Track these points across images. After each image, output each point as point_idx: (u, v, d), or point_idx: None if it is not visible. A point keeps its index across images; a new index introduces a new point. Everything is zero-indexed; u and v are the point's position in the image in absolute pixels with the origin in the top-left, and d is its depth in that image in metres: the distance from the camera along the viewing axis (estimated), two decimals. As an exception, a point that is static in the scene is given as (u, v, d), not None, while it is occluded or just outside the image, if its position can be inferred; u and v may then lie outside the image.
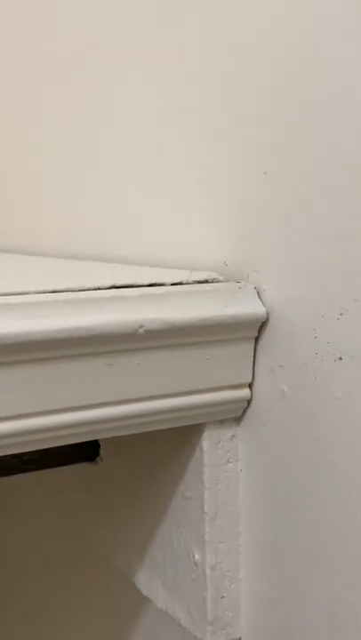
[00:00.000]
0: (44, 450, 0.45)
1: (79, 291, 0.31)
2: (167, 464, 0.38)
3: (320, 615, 0.31)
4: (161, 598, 0.39)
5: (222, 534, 0.35)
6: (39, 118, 0.56)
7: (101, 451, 0.46)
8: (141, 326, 0.30)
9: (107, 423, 0.32)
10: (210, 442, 0.35)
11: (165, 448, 0.38)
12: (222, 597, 0.36)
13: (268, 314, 0.33)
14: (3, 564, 0.66)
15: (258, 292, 0.33)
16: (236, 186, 0.34)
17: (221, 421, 0.35)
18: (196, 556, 0.36)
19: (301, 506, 0.32)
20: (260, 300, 0.33)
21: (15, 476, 0.46)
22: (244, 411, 0.35)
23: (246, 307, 0.33)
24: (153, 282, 0.33)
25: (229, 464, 0.35)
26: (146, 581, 0.41)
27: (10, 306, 0.28)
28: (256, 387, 0.34)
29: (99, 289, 0.31)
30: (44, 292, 0.30)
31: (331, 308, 0.29)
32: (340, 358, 0.28)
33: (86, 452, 0.47)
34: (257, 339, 0.34)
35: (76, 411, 0.30)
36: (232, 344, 0.33)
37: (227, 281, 0.34)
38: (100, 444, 0.46)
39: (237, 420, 0.35)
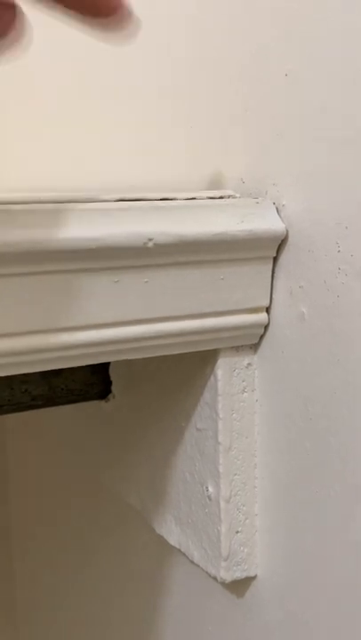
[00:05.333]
0: (54, 387, 0.42)
1: (85, 202, 0.26)
2: (180, 396, 0.34)
3: (342, 551, 0.27)
4: (174, 535, 0.36)
5: (237, 466, 0.31)
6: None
7: (113, 388, 0.42)
8: (150, 239, 0.25)
9: (114, 345, 0.27)
10: (224, 370, 0.30)
11: (178, 380, 0.34)
12: (237, 532, 0.31)
13: (287, 230, 0.28)
14: (16, 498, 0.64)
15: (277, 208, 0.29)
16: (254, 93, 0.29)
17: (237, 348, 0.31)
18: (210, 489, 0.32)
19: (323, 435, 0.27)
20: (280, 216, 0.28)
21: (30, 412, 0.42)
22: (261, 337, 0.30)
23: (264, 222, 0.28)
24: (164, 197, 0.28)
25: (245, 393, 0.31)
26: (158, 518, 0.37)
27: (12, 213, 0.24)
28: (274, 311, 0.30)
29: (106, 201, 0.27)
30: (48, 202, 0.26)
31: (356, 218, 0.25)
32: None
33: (98, 389, 0.43)
34: (275, 259, 0.29)
35: (80, 330, 0.26)
36: (248, 263, 0.29)
37: (243, 197, 0.30)
38: (112, 380, 0.42)
39: (254, 347, 0.31)
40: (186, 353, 0.31)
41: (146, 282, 0.27)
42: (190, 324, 0.28)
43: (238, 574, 0.32)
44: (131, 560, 0.44)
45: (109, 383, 0.42)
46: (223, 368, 0.30)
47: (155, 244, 0.26)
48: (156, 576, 0.41)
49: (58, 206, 0.25)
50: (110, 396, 0.42)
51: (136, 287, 0.27)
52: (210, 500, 0.32)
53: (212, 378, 0.31)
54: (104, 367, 0.42)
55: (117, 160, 0.41)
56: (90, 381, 0.42)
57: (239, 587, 0.33)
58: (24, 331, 0.25)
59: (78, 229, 0.25)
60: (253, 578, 0.32)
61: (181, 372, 0.34)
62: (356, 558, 0.26)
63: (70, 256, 0.25)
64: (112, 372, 0.42)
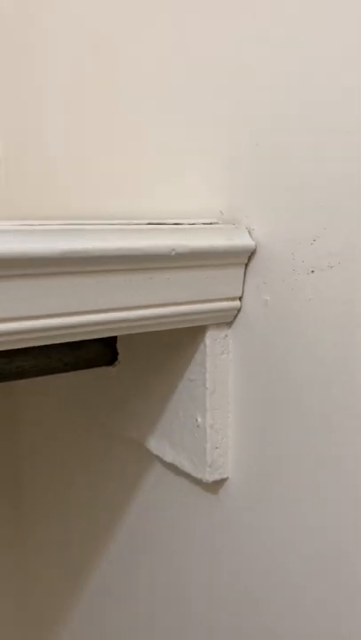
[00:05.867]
0: (78, 357, 0.54)
1: (126, 224, 0.40)
2: (175, 359, 0.48)
3: (293, 461, 0.42)
4: (168, 454, 0.50)
5: (217, 403, 0.46)
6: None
7: (119, 357, 0.55)
8: (173, 250, 0.39)
9: (143, 321, 0.41)
10: (211, 339, 0.45)
11: (172, 348, 0.48)
12: (216, 448, 0.46)
13: (256, 246, 0.43)
14: (34, 443, 0.76)
15: (249, 231, 0.43)
16: (232, 156, 0.44)
17: (218, 325, 0.45)
18: (199, 420, 0.46)
19: (276, 380, 0.42)
20: (251, 236, 0.43)
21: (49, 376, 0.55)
22: (235, 317, 0.45)
23: (241, 240, 0.42)
24: (176, 222, 0.42)
25: (223, 355, 0.46)
26: (156, 444, 0.51)
27: (86, 231, 0.37)
28: (245, 299, 0.44)
29: (139, 224, 0.40)
30: (105, 224, 0.39)
31: (305, 236, 0.39)
32: (312, 271, 0.39)
33: (108, 358, 0.57)
34: (246, 265, 0.44)
35: (124, 311, 0.40)
36: (228, 267, 0.43)
37: (225, 224, 0.44)
38: (119, 352, 0.55)
39: (229, 324, 0.45)
40: (180, 329, 0.45)
41: (167, 278, 0.40)
42: (191, 307, 0.42)
43: (217, 476, 0.46)
44: (127, 476, 0.58)
45: (116, 354, 0.56)
46: (210, 338, 0.45)
47: (176, 253, 0.40)
48: (146, 485, 0.56)
49: (111, 226, 0.39)
50: (116, 362, 0.56)
51: (162, 281, 0.40)
52: (198, 427, 0.46)
53: (202, 345, 0.45)
54: (113, 342, 0.56)
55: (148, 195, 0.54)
56: (102, 353, 0.56)
57: (215, 487, 0.48)
58: (87, 310, 0.38)
59: (128, 242, 0.38)
60: (226, 479, 0.47)
61: (175, 343, 0.48)
62: (301, 467, 0.42)
63: (123, 260, 0.38)
64: (119, 346, 0.55)
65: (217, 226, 0.43)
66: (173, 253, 0.39)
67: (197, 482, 0.49)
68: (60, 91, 0.64)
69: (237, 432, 0.46)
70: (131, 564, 0.61)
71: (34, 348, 0.51)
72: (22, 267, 0.35)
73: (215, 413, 0.46)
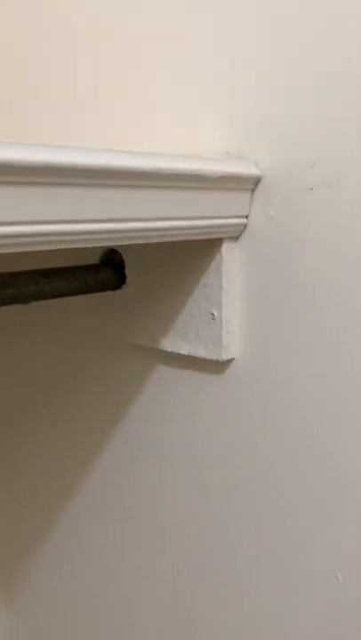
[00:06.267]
0: (96, 279, 0.65)
1: (172, 155, 0.51)
2: (188, 272, 0.61)
3: (287, 341, 0.57)
4: (184, 348, 0.62)
5: (230, 299, 0.59)
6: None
7: (128, 280, 0.66)
8: (215, 173, 0.52)
9: (174, 230, 0.52)
10: (225, 250, 0.58)
11: (186, 263, 0.61)
12: (228, 334, 0.60)
13: (261, 175, 0.56)
14: (45, 354, 0.83)
15: (255, 164, 0.57)
16: (235, 92, 0.57)
17: (230, 238, 0.58)
18: (215, 313, 0.59)
19: (275, 280, 0.56)
20: (256, 167, 0.56)
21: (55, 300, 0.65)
22: (241, 232, 0.58)
23: (248, 169, 0.56)
24: (205, 156, 0.54)
25: (233, 263, 0.59)
26: (170, 343, 0.64)
27: (148, 154, 0.48)
28: (251, 217, 0.58)
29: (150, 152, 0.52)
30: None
31: (305, 162, 0.54)
32: (311, 189, 0.53)
33: (118, 282, 0.67)
34: (253, 190, 0.57)
35: (176, 220, 0.51)
36: (238, 191, 0.56)
37: (234, 158, 0.57)
38: (127, 276, 0.66)
39: (236, 238, 0.59)
40: (196, 246, 0.57)
41: (202, 197, 0.53)
42: (211, 222, 0.55)
43: (229, 356, 0.60)
44: (126, 381, 0.70)
45: (124, 279, 0.67)
46: (225, 249, 0.58)
47: (217, 176, 0.52)
48: (150, 385, 0.68)
49: (165, 155, 0.50)
50: (124, 286, 0.67)
51: (196, 198, 0.52)
52: (214, 320, 0.59)
53: (218, 255, 0.58)
54: (122, 268, 0.66)
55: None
56: (113, 278, 0.66)
57: (224, 367, 0.61)
58: (123, 218, 0.49)
59: (181, 164, 0.50)
60: (233, 359, 0.60)
61: (189, 259, 0.60)
62: (296, 349, 0.56)
63: (175, 177, 0.50)
64: (127, 271, 0.66)
65: (229, 158, 0.56)
66: (215, 176, 0.52)
67: (206, 368, 0.62)
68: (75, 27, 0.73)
69: (243, 322, 0.60)
70: (134, 462, 0.72)
71: (59, 274, 0.61)
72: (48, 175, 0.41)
73: (228, 307, 0.59)
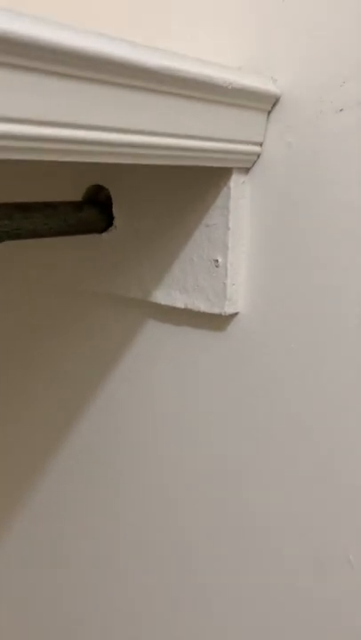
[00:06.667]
0: (79, 219, 0.55)
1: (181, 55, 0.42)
2: (188, 210, 0.51)
3: (299, 295, 0.48)
4: (180, 301, 0.54)
5: (237, 243, 0.50)
6: None
7: (115, 222, 0.57)
8: (230, 84, 0.42)
9: (174, 150, 0.42)
10: (234, 183, 0.49)
11: (186, 200, 0.51)
12: (233, 285, 0.51)
13: (278, 96, 0.47)
14: (19, 305, 0.74)
15: (272, 80, 0.47)
16: (257, 13, 0.47)
17: (239, 169, 0.49)
18: (219, 259, 0.50)
19: (289, 220, 0.48)
20: (275, 85, 0.47)
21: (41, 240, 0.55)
22: (253, 164, 0.49)
23: (265, 85, 0.46)
24: (213, 61, 0.45)
25: (241, 200, 0.50)
26: (164, 295, 0.55)
27: (152, 48, 0.38)
28: (265, 146, 0.48)
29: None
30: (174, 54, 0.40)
31: (334, 79, 0.44)
32: (341, 110, 0.44)
33: (105, 224, 0.58)
34: (269, 112, 0.48)
35: (177, 138, 0.42)
36: (251, 110, 0.47)
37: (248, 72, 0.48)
38: (115, 216, 0.57)
39: (247, 170, 0.50)
40: (196, 176, 0.48)
41: (213, 112, 0.43)
42: (210, 145, 0.44)
43: (233, 310, 0.51)
44: (114, 336, 0.61)
45: (112, 220, 0.57)
46: (234, 182, 0.49)
47: (232, 87, 0.42)
48: (140, 342, 0.59)
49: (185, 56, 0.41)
50: (112, 228, 0.57)
51: (206, 113, 0.43)
52: (218, 267, 0.50)
53: (225, 189, 0.49)
54: (109, 208, 0.57)
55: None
56: (98, 218, 0.57)
57: (226, 323, 0.53)
58: (74, 123, 0.38)
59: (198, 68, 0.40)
60: (237, 314, 0.52)
61: (189, 193, 0.51)
62: (307, 305, 0.47)
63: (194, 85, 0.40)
64: (115, 211, 0.56)
65: (240, 71, 0.47)
66: (230, 87, 0.42)
67: (206, 324, 0.54)
68: None
69: (251, 271, 0.51)
70: (119, 428, 0.64)
71: (39, 210, 0.51)
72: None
73: (235, 252, 0.50)
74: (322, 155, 0.46)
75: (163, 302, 0.55)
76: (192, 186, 0.51)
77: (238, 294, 0.51)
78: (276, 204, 0.49)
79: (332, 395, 0.48)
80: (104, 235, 0.58)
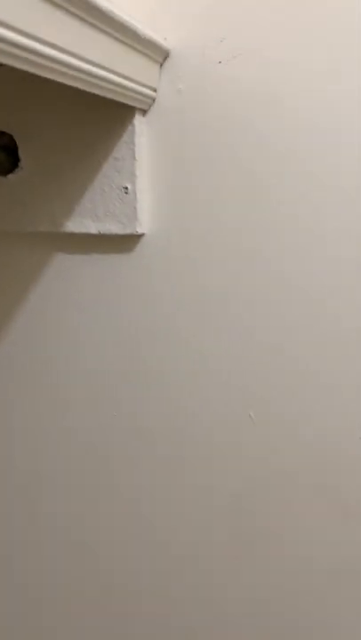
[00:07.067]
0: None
1: None
2: (94, 146, 0.60)
3: (197, 215, 0.60)
4: (92, 228, 0.62)
5: (142, 173, 0.60)
6: None
7: (22, 163, 0.63)
8: (132, 26, 0.52)
9: (91, 77, 0.51)
10: (138, 120, 0.59)
11: (92, 137, 0.60)
12: (141, 208, 0.61)
13: (169, 50, 0.58)
14: None
15: (164, 38, 0.58)
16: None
17: (139, 111, 0.59)
18: (129, 186, 0.60)
19: (184, 151, 0.59)
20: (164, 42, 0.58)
21: None
22: (150, 106, 0.60)
23: (161, 41, 0.57)
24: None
25: (142, 137, 0.60)
26: (76, 224, 0.62)
27: None
28: (159, 92, 0.59)
29: None
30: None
31: (214, 38, 0.57)
32: (220, 62, 0.57)
33: (7, 167, 0.63)
34: (161, 65, 0.59)
35: (79, 59, 0.51)
36: (146, 58, 0.57)
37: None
38: (21, 157, 0.63)
39: (145, 112, 0.60)
40: (101, 117, 0.57)
41: (105, 42, 0.53)
42: (115, 78, 0.54)
43: (141, 229, 0.61)
44: (22, 273, 0.66)
45: (17, 162, 0.63)
46: (137, 120, 0.59)
47: (120, 22, 0.52)
48: (49, 275, 0.66)
49: None
50: (17, 169, 0.63)
51: (98, 38, 0.52)
52: (127, 193, 0.60)
53: (130, 126, 0.59)
54: (14, 151, 0.62)
55: None
56: (6, 160, 0.62)
57: (134, 243, 0.62)
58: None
59: None
60: (144, 235, 0.62)
61: (95, 130, 0.59)
62: (204, 226, 0.59)
63: None
64: (21, 153, 0.62)
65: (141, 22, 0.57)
66: (104, 10, 0.50)
67: (117, 247, 0.63)
68: None
69: (156, 195, 0.61)
70: (32, 361, 0.69)
71: None
72: None
73: (141, 180, 0.60)
74: (205, 99, 0.58)
75: (76, 230, 0.62)
76: (98, 124, 0.59)
77: (145, 216, 0.61)
78: (170, 140, 0.60)
79: (220, 287, 0.60)
80: (10, 176, 0.64)
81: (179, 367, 0.63)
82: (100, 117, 0.59)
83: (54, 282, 0.66)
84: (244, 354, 0.60)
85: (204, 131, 0.58)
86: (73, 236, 0.64)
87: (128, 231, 0.61)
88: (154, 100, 0.60)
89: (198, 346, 0.62)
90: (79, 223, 0.62)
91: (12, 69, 0.43)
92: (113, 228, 0.61)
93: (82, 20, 0.47)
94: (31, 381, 0.70)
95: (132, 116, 0.59)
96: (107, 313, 0.65)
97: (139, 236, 0.62)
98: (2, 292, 0.69)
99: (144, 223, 0.61)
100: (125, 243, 0.62)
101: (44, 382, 0.70)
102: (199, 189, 0.59)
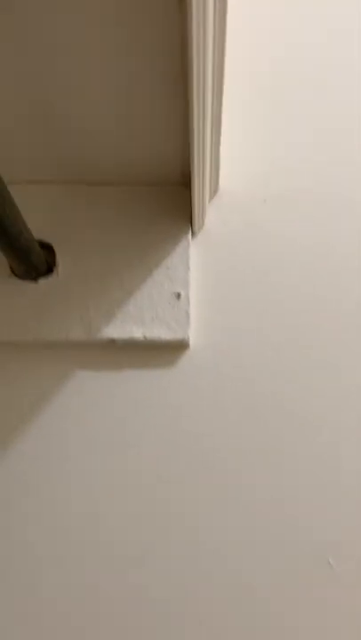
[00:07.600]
0: (34, 263, 0.55)
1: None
2: (147, 258, 0.59)
3: (244, 327, 0.59)
4: (138, 333, 0.56)
5: (193, 281, 0.59)
6: None
7: (58, 268, 0.58)
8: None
9: None
10: (190, 235, 0.60)
11: (144, 248, 0.59)
12: (192, 317, 0.58)
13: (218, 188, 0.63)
14: None
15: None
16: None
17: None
18: (182, 293, 0.57)
19: (225, 277, 0.60)
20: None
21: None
22: (200, 230, 0.62)
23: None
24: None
25: (193, 249, 0.60)
26: (119, 330, 0.56)
27: None
28: (208, 219, 0.62)
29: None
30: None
31: (260, 178, 0.63)
32: (265, 200, 0.62)
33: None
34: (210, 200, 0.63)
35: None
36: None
37: None
38: (58, 261, 0.59)
39: (195, 233, 0.61)
40: (154, 229, 0.58)
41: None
42: None
43: (187, 335, 0.57)
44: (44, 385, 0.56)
45: (52, 267, 0.59)
46: (190, 235, 0.60)
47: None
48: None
49: None
50: (52, 274, 0.58)
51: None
52: (179, 299, 0.57)
53: (184, 241, 0.59)
54: (52, 253, 0.59)
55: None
56: (45, 260, 0.58)
57: (181, 349, 0.57)
58: None
59: None
60: (188, 348, 0.57)
61: (146, 244, 0.59)
62: (254, 329, 0.59)
63: None
64: (59, 258, 0.59)
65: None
66: None
67: (165, 353, 0.57)
68: None
69: (203, 304, 0.59)
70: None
71: None
72: None
73: (192, 288, 0.58)
74: (249, 230, 0.62)
75: (116, 336, 0.56)
76: (148, 234, 0.59)
77: (193, 324, 0.58)
78: (215, 258, 0.61)
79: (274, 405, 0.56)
80: (41, 281, 0.58)
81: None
82: (152, 229, 0.59)
83: (74, 397, 0.57)
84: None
85: (247, 256, 0.61)
86: (103, 346, 0.57)
87: (179, 336, 0.56)
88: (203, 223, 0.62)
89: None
90: (122, 330, 0.57)
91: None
92: (162, 332, 0.57)
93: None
94: (48, 512, 0.54)
95: (187, 231, 0.60)
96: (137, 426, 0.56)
97: (184, 348, 0.57)
98: (17, 407, 0.57)
99: (193, 331, 0.58)
100: (173, 348, 0.57)
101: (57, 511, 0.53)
102: (244, 306, 0.59)
